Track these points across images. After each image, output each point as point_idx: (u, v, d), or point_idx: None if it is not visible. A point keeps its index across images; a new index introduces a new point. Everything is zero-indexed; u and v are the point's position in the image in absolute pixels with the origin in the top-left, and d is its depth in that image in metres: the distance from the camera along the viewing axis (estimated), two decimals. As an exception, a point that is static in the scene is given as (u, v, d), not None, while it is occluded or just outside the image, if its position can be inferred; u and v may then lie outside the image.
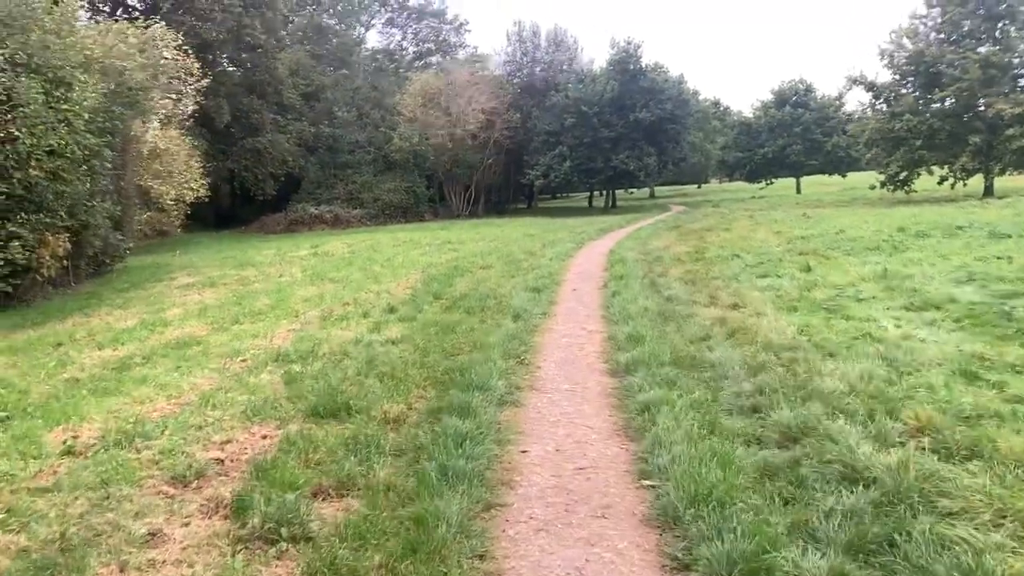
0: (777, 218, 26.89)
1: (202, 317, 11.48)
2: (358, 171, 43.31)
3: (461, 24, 69.79)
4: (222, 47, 36.28)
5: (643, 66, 43.29)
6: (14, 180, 12.38)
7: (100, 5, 36.13)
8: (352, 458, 5.07)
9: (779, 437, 5.31)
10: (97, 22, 27.41)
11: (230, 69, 40.64)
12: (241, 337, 9.71)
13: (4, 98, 12.15)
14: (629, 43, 43.36)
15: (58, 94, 13.20)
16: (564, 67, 47.82)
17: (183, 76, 27.48)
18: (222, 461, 5.36)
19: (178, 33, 27.56)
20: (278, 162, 40.46)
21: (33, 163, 12.56)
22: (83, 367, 8.45)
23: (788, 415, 5.52)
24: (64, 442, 5.76)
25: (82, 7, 35.62)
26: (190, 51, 28.33)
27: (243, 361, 8.42)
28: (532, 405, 6.49)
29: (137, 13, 32.66)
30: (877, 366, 6.70)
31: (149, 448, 5.56)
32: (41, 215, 13.08)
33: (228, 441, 5.72)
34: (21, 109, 12.39)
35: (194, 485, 4.92)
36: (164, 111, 26.09)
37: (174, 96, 27.76)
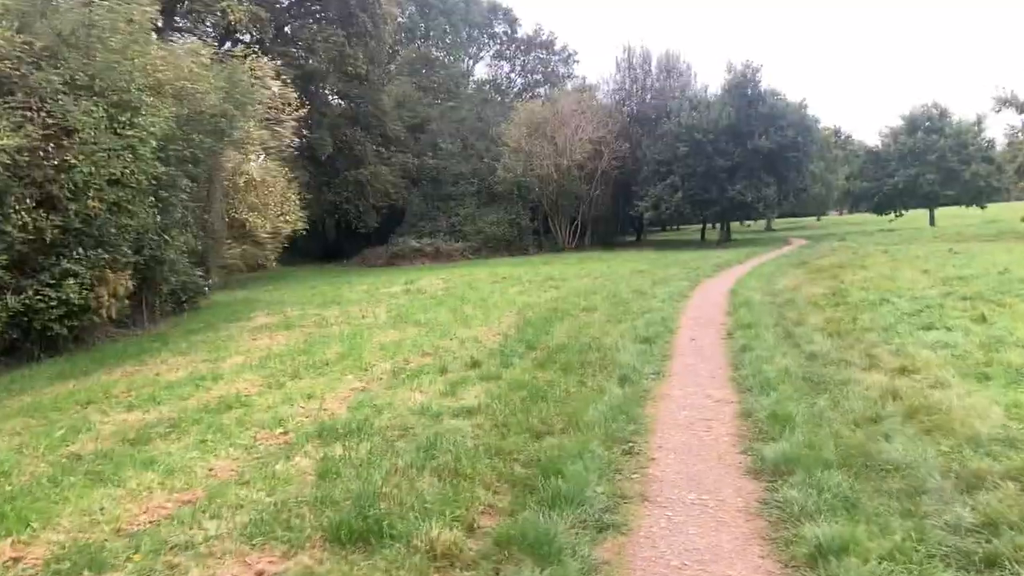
0: (918, 254, 23.87)
1: (261, 369, 10.01)
2: (461, 203, 42.22)
3: (570, 55, 68.85)
4: (325, 78, 35.92)
5: (762, 91, 40.62)
6: (70, 212, 11.32)
7: (208, 39, 36.33)
8: (364, 638, 3.28)
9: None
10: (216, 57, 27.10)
11: (334, 101, 40.37)
12: (292, 398, 8.12)
13: (60, 123, 11.13)
14: (747, 66, 40.84)
15: (123, 119, 12.16)
16: (676, 94, 45.58)
17: (280, 106, 26.92)
18: (184, 622, 3.66)
19: (276, 62, 27.09)
20: (380, 194, 39.77)
21: (91, 193, 11.48)
22: (97, 436, 7.01)
23: (1056, 581, 3.44)
24: (-3, 568, 4.22)
25: (193, 38, 36.10)
26: (288, 80, 27.84)
27: (282, 434, 6.80)
28: (644, 531, 4.54)
29: (243, 44, 32.63)
30: None
31: (98, 588, 3.93)
32: (100, 250, 12.01)
33: (207, 581, 4.02)
34: (79, 135, 11.35)
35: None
36: (259, 142, 25.48)
37: (272, 126, 27.23)
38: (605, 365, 9.05)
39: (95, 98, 11.77)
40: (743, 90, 40.43)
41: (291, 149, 32.55)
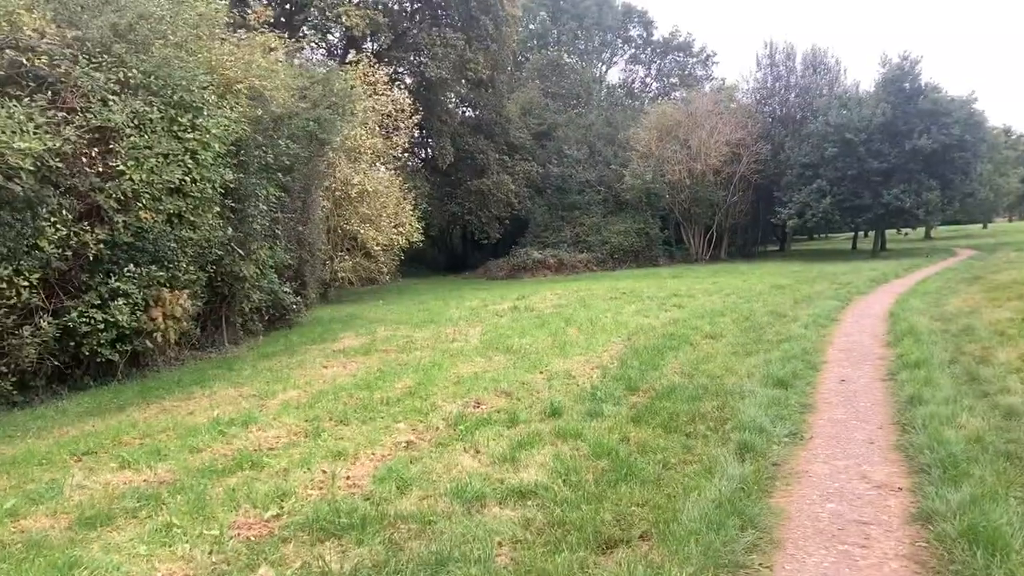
0: (1124, 267, 20.01)
1: (309, 408, 8.43)
2: (587, 212, 40.18)
3: (708, 56, 65.76)
4: (447, 86, 34.74)
5: (922, 85, 36.47)
6: (118, 224, 10.14)
7: (334, 49, 36.15)
8: None
9: None
10: (328, 66, 26.39)
11: (457, 109, 39.34)
12: (316, 457, 6.46)
13: (105, 125, 9.97)
14: (904, 58, 36.78)
15: (184, 121, 10.94)
16: (823, 91, 41.95)
17: (394, 113, 25.89)
18: None
19: (399, 69, 26.22)
20: (503, 204, 38.35)
21: (144, 203, 10.28)
22: (55, 510, 5.55)
23: None
24: None
25: (320, 49, 35.98)
26: (404, 87, 26.85)
27: (271, 520, 5.12)
28: None
29: (364, 53, 32.10)
30: None
31: None
32: (154, 267, 10.81)
33: None
34: (129, 138, 10.18)
35: None
36: (371, 150, 24.48)
37: (388, 134, 26.26)
38: (723, 420, 6.93)
39: (150, 97, 10.61)
40: (900, 84, 36.42)
41: (408, 156, 31.64)
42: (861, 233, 48.27)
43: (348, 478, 5.92)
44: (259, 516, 5.18)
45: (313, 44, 35.34)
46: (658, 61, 66.68)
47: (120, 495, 5.72)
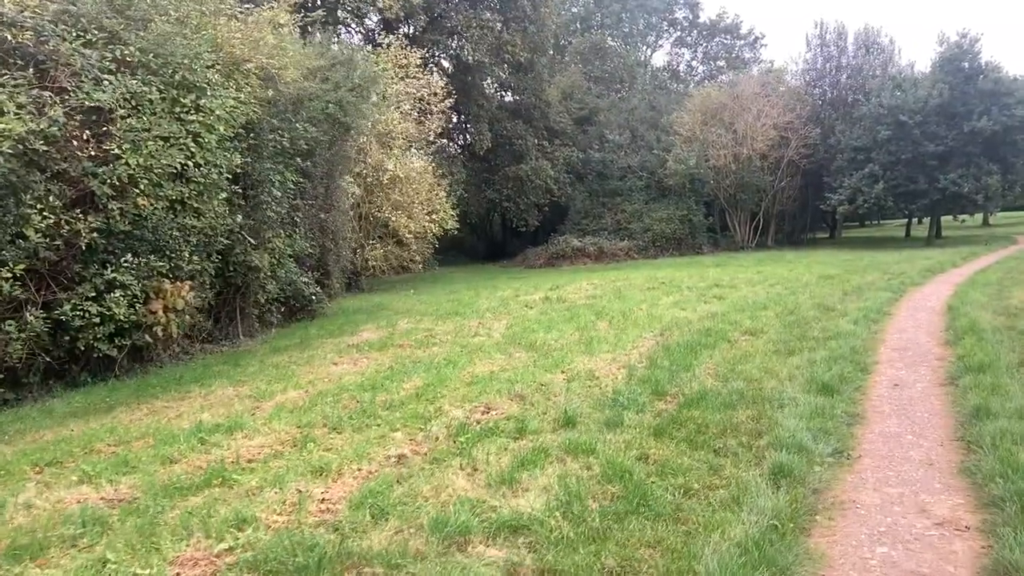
0: None
1: (304, 413, 7.75)
2: (628, 199, 38.93)
3: (756, 39, 64.00)
4: (484, 69, 33.85)
5: (982, 64, 34.62)
6: (113, 212, 9.54)
7: (375, 33, 35.51)
8: None
9: None
10: (372, 50, 25.81)
11: (496, 94, 38.42)
12: (294, 473, 5.78)
13: (97, 106, 9.37)
14: (963, 36, 34.92)
15: (187, 102, 10.31)
16: (876, 72, 40.17)
17: (427, 96, 25.17)
18: None
19: (436, 52, 25.54)
20: (542, 191, 37.41)
21: (141, 188, 9.67)
22: (-6, 533, 4.91)
23: None
24: None
25: (360, 32, 35.38)
26: (437, 70, 26.16)
27: (221, 555, 4.43)
28: None
29: (401, 36, 31.41)
30: None
31: None
32: (154, 257, 10.22)
33: None
34: (127, 120, 9.57)
35: None
36: (403, 135, 23.81)
37: (421, 118, 25.59)
38: (758, 434, 6.09)
39: (149, 76, 10.00)
40: (958, 64, 34.57)
41: (444, 142, 30.92)
42: (915, 220, 46.37)
43: (323, 500, 5.22)
44: (209, 550, 4.49)
45: (351, 28, 34.76)
46: (704, 44, 65.20)
47: (66, 518, 5.07)
